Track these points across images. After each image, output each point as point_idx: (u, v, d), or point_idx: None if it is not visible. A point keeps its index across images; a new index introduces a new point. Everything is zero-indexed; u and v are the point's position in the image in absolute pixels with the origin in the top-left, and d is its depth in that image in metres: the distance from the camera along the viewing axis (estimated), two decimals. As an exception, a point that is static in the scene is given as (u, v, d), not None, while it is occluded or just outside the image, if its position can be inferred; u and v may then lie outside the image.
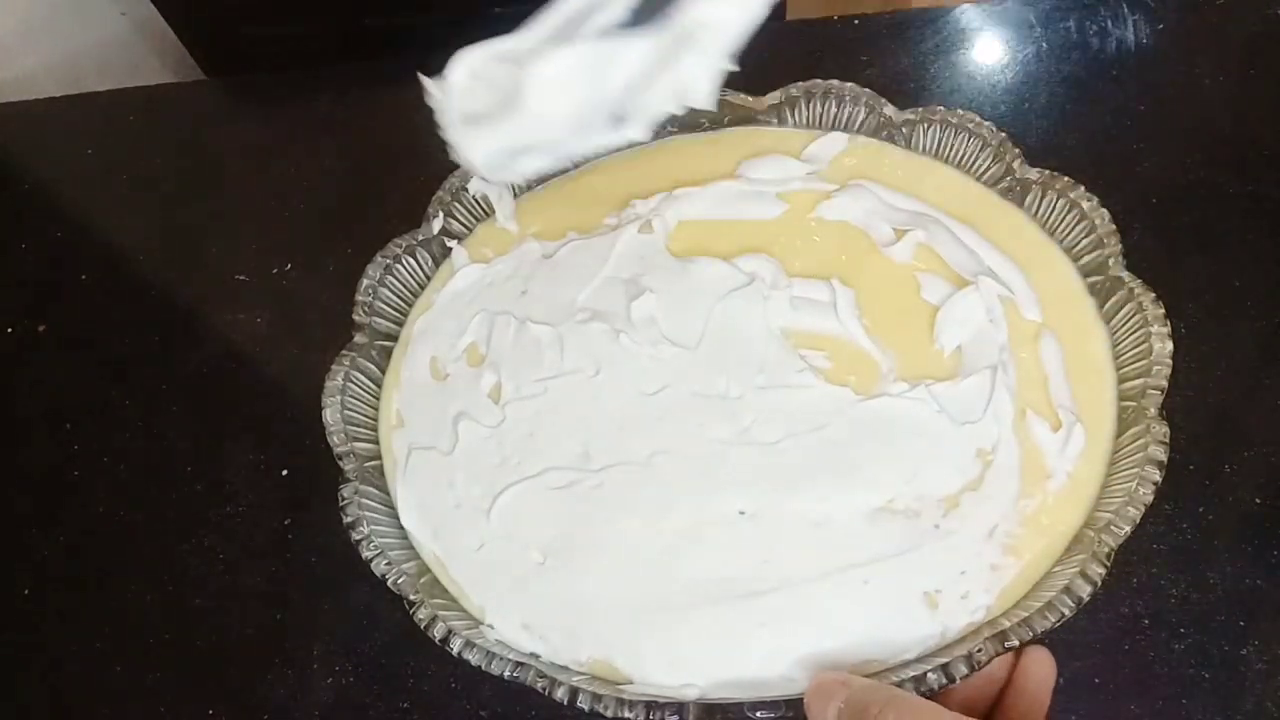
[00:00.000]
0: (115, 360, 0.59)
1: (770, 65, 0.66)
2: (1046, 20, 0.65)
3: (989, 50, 0.65)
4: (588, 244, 0.48)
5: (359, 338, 0.45)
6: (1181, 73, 0.62)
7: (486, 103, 0.33)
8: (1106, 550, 0.35)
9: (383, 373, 0.46)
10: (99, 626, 0.50)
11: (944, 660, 0.34)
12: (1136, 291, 0.41)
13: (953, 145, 0.48)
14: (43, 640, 0.50)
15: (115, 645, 0.50)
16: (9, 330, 0.62)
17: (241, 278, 0.61)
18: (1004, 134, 0.47)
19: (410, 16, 0.82)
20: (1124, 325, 0.42)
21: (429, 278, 0.49)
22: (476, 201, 0.50)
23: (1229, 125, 0.59)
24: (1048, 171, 0.46)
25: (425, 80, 0.35)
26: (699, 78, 0.31)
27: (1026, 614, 0.35)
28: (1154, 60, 0.63)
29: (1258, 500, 0.47)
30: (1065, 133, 0.60)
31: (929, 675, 0.34)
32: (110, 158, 0.69)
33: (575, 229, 0.49)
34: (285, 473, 0.53)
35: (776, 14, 0.84)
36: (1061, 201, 0.45)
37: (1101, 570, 0.35)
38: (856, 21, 0.67)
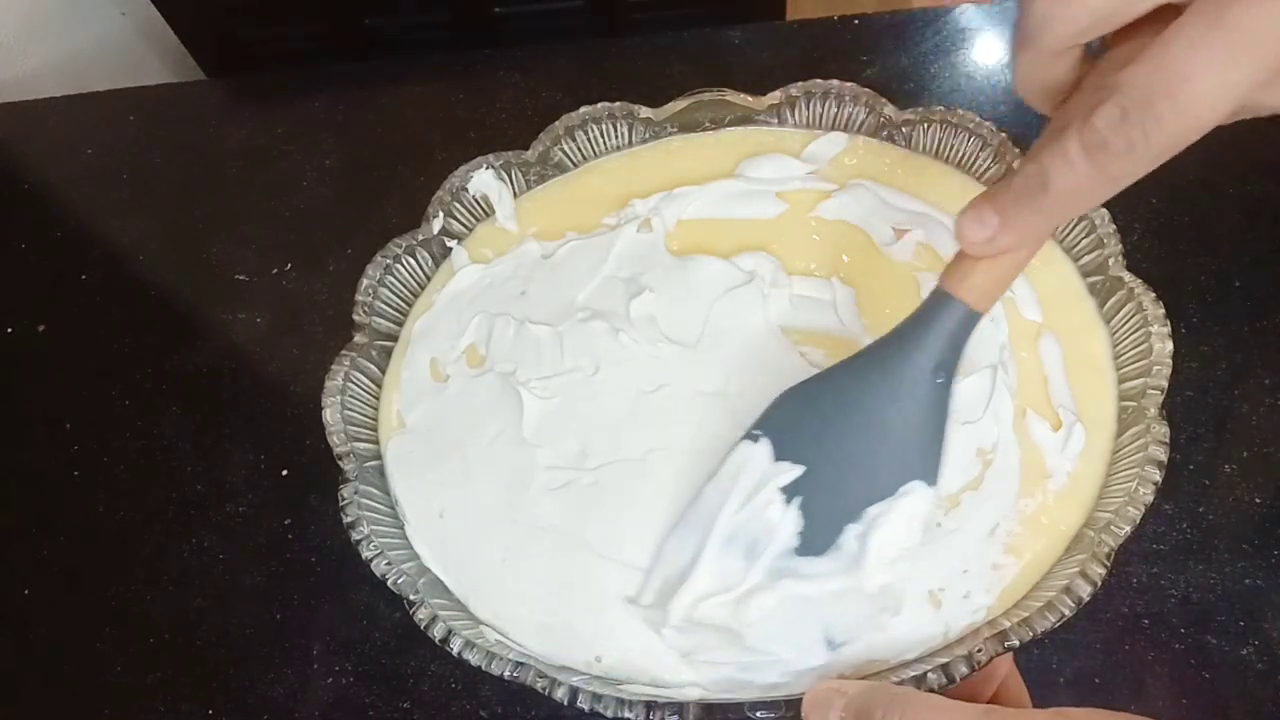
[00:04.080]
0: (115, 360, 0.59)
1: (770, 65, 0.66)
2: (1046, 20, 0.65)
3: (989, 50, 0.65)
4: (587, 244, 0.48)
5: (359, 338, 0.45)
6: (1181, 73, 0.62)
7: (708, 640, 0.36)
8: (1106, 550, 0.35)
9: (383, 373, 0.46)
10: (99, 626, 0.50)
11: (944, 660, 0.34)
12: (1136, 291, 0.41)
13: (953, 145, 0.48)
14: (43, 640, 0.50)
15: (115, 645, 0.50)
16: (9, 330, 0.62)
17: (241, 278, 0.61)
18: (1004, 134, 0.47)
19: (410, 16, 0.82)
20: (1124, 325, 0.42)
21: (429, 278, 0.49)
22: (476, 201, 0.50)
23: (1229, 125, 0.59)
24: (1048, 171, 0.45)
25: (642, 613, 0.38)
26: (897, 610, 0.36)
27: (1026, 614, 0.35)
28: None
29: (1258, 500, 0.47)
30: (1065, 133, 0.60)
31: (929, 675, 0.34)
32: (110, 158, 0.69)
33: (574, 229, 0.49)
34: (285, 473, 0.53)
35: (776, 14, 0.85)
36: (1061, 201, 0.45)
37: (1101, 570, 0.35)
38: (856, 21, 0.67)
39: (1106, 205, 0.44)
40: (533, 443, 0.42)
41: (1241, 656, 0.44)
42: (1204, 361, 0.51)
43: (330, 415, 0.43)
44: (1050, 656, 0.44)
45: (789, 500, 0.36)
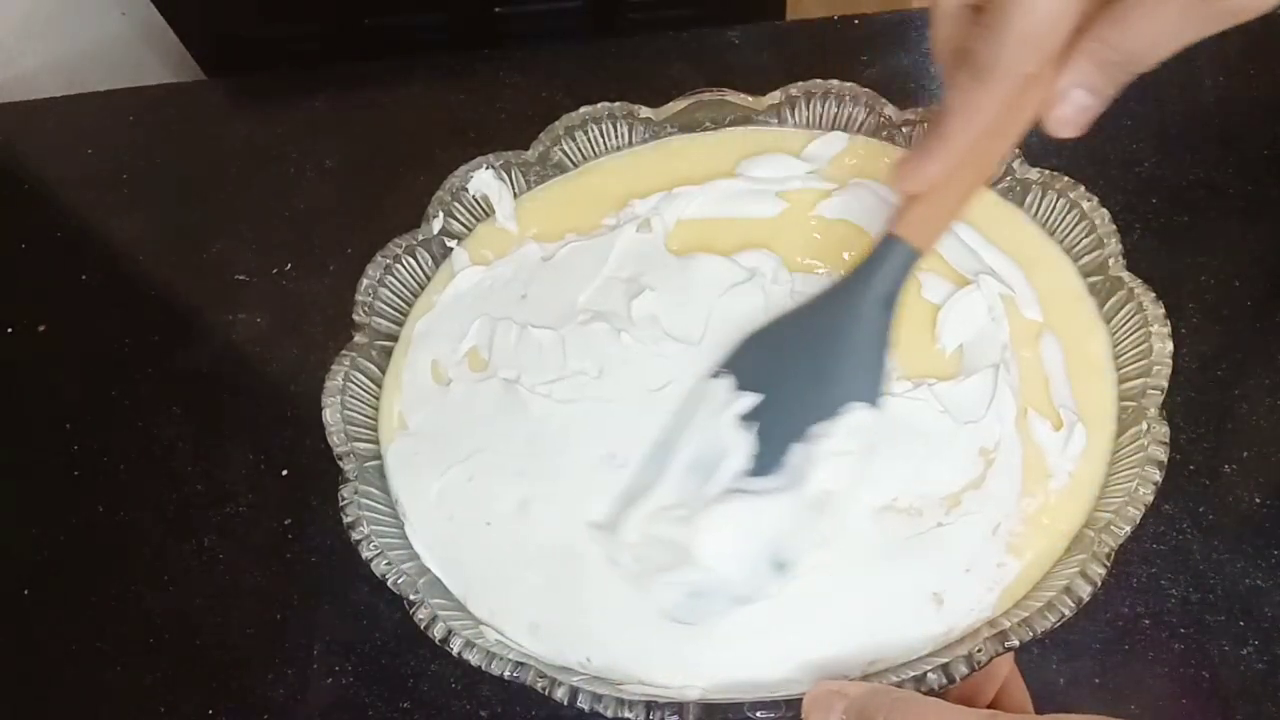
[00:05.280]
0: (115, 360, 0.59)
1: (770, 65, 0.66)
2: (1046, 20, 0.65)
3: (989, 50, 0.65)
4: (587, 245, 0.48)
5: (359, 338, 0.45)
6: (1181, 73, 0.62)
7: (663, 556, 0.38)
8: (1106, 550, 0.35)
9: (383, 373, 0.46)
10: (99, 626, 0.50)
11: (944, 660, 0.34)
12: (1136, 291, 0.41)
13: (953, 145, 0.48)
14: (43, 640, 0.50)
15: (115, 645, 0.50)
16: (9, 330, 0.62)
17: (241, 278, 0.61)
18: (1004, 134, 0.47)
19: (410, 16, 0.82)
20: (1124, 325, 0.42)
21: (429, 278, 0.49)
22: (476, 201, 0.50)
23: (1229, 125, 0.59)
24: (1048, 171, 0.45)
25: (600, 536, 0.39)
26: (844, 528, 0.37)
27: (1026, 614, 0.35)
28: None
29: (1258, 500, 0.47)
30: (1065, 133, 0.60)
31: (929, 675, 0.34)
32: (110, 158, 0.69)
33: (574, 229, 0.49)
34: (285, 473, 0.53)
35: (776, 14, 0.85)
36: (1061, 201, 0.45)
37: (1101, 570, 0.35)
38: (856, 21, 0.67)
39: (1106, 205, 0.44)
40: (546, 448, 0.42)
41: (1241, 656, 0.44)
42: (1204, 361, 0.51)
43: (330, 415, 0.43)
44: (1050, 656, 0.44)
45: (745, 427, 0.39)
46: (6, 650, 0.51)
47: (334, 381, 0.43)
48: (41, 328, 0.61)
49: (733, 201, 0.48)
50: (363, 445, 0.43)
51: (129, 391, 0.58)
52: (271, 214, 0.64)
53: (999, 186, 0.47)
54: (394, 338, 0.47)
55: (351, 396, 0.44)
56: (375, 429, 0.45)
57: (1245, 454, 0.48)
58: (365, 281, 0.46)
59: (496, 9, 0.79)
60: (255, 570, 0.51)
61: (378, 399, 0.45)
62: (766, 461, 0.38)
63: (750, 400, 0.39)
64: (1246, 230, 0.55)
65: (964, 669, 0.34)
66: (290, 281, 0.61)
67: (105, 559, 0.52)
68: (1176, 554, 0.46)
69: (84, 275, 0.63)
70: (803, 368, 0.40)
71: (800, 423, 0.38)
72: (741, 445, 0.38)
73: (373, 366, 0.45)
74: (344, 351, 0.44)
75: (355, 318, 0.46)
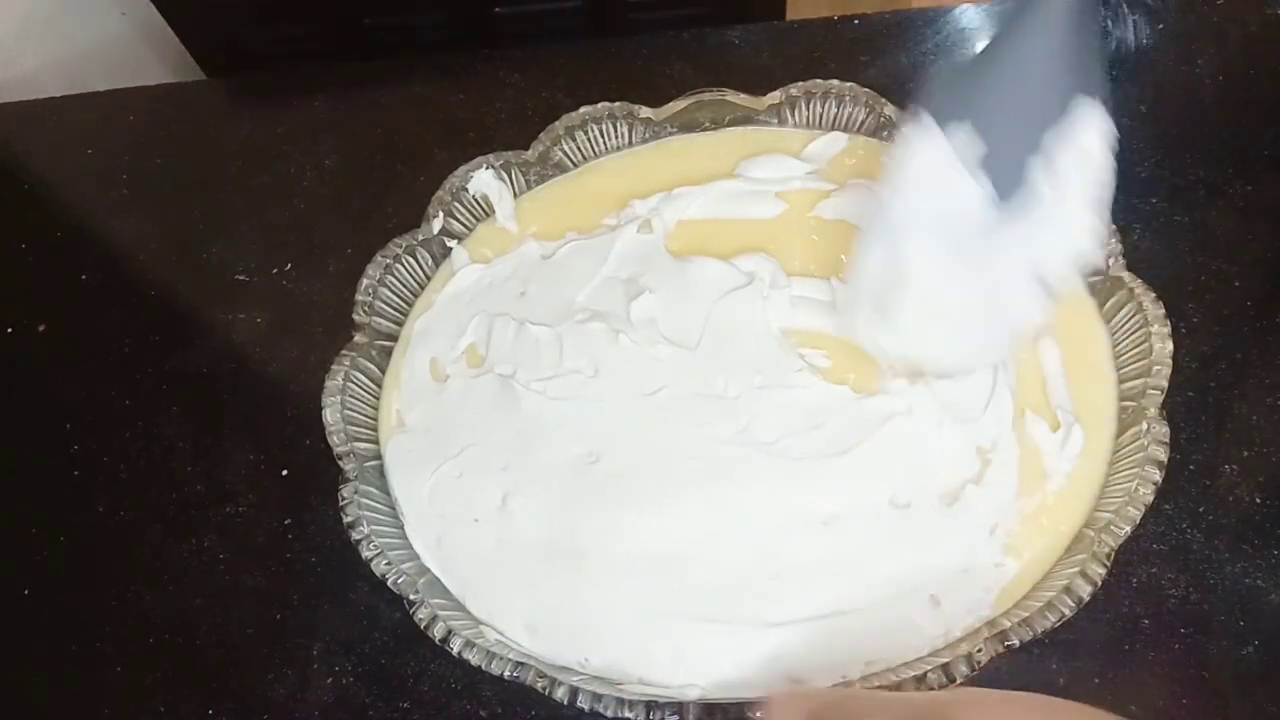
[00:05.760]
0: (115, 360, 0.59)
1: (770, 65, 0.66)
2: (1046, 20, 0.65)
3: (989, 50, 0.65)
4: (587, 244, 0.48)
5: (359, 338, 0.45)
6: (1181, 73, 0.62)
7: (940, 333, 0.38)
8: (1106, 550, 0.35)
9: (383, 372, 0.46)
10: (99, 626, 0.50)
11: (944, 660, 0.34)
12: (1136, 291, 0.41)
13: (953, 145, 0.48)
14: (43, 640, 0.50)
15: (115, 645, 0.50)
16: (9, 330, 0.62)
17: (241, 278, 0.61)
18: (1004, 134, 0.47)
19: (410, 16, 0.82)
20: (1124, 325, 0.42)
21: (429, 278, 0.49)
22: (476, 201, 0.50)
23: (1229, 125, 0.59)
24: (1048, 171, 0.45)
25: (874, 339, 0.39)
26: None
27: (1026, 614, 0.35)
28: (1154, 60, 0.63)
29: (1258, 500, 0.47)
30: (1065, 133, 0.59)
31: (929, 675, 0.34)
32: (110, 158, 0.69)
33: (575, 229, 0.49)
34: (285, 473, 0.53)
35: (776, 14, 0.85)
36: (1061, 201, 0.45)
37: (1101, 570, 0.35)
38: (856, 21, 0.67)
39: (1106, 205, 0.44)
40: (531, 444, 0.42)
41: (1241, 656, 0.44)
42: (1204, 361, 0.50)
43: (330, 415, 0.43)
44: (1050, 656, 0.44)
45: (966, 164, 0.36)
46: (7, 650, 0.51)
47: (334, 381, 0.43)
48: (41, 328, 0.61)
49: (732, 202, 0.48)
50: (362, 445, 0.43)
51: (129, 391, 0.58)
52: (271, 214, 0.64)
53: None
54: (394, 337, 0.47)
55: (351, 396, 0.44)
56: (375, 428, 0.45)
57: (1245, 454, 0.48)
58: (365, 281, 0.46)
59: (496, 9, 0.79)
60: (255, 570, 0.51)
61: (377, 398, 0.45)
62: (1004, 186, 0.36)
63: (963, 131, 0.36)
64: (1246, 230, 0.55)
65: (964, 669, 0.34)
66: (290, 281, 0.61)
67: (105, 559, 0.52)
68: (1176, 554, 0.46)
69: (84, 275, 0.63)
70: (1007, 83, 0.36)
71: (1028, 136, 0.35)
72: (973, 185, 0.36)
73: (372, 366, 0.45)
74: (344, 351, 0.44)
75: (355, 317, 0.46)
